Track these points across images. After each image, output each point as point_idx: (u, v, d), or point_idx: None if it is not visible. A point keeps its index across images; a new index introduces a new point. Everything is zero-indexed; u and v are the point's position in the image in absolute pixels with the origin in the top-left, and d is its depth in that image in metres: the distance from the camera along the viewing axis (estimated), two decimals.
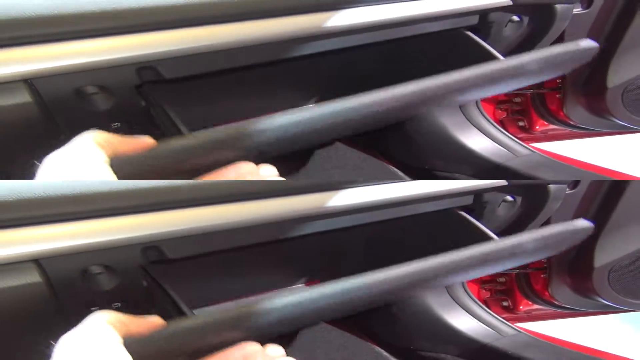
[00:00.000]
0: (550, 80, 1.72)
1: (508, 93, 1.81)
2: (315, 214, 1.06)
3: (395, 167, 1.76)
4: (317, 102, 1.32)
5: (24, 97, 0.83)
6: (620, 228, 1.67)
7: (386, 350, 1.69)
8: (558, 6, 1.36)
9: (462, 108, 1.66)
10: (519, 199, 1.52)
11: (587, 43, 1.26)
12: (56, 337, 0.81)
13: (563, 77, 1.71)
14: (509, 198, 1.52)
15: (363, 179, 1.30)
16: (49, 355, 0.82)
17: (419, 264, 1.17)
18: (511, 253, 1.31)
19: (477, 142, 1.72)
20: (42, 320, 0.89)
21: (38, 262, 0.83)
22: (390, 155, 1.75)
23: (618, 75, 1.63)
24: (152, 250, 0.91)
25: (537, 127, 1.87)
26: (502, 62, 1.21)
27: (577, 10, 1.53)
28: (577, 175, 1.67)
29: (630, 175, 1.71)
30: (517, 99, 1.84)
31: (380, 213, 1.21)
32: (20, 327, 0.88)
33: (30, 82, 0.82)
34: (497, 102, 1.86)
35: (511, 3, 1.28)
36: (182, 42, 0.90)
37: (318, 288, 0.96)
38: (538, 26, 1.39)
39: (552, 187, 1.45)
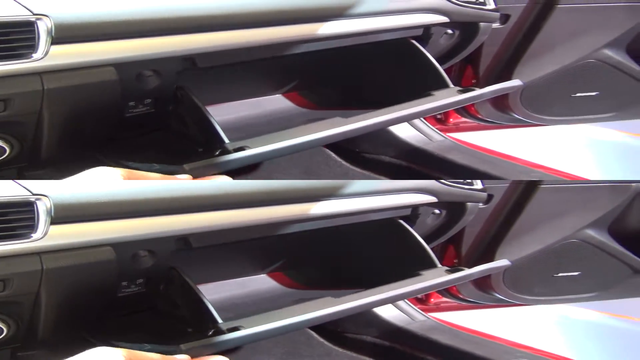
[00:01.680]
0: (466, 80, 1.98)
1: None
2: (284, 221, 1.36)
3: (330, 150, 1.95)
4: (293, 88, 1.59)
5: (112, 75, 1.10)
6: (516, 237, 1.94)
7: (317, 334, 1.88)
8: (482, 23, 1.68)
9: None
10: (443, 212, 1.76)
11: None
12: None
13: (476, 78, 1.96)
14: (437, 211, 1.76)
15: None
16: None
17: (373, 298, 1.45)
18: (457, 281, 1.65)
19: (400, 128, 1.97)
20: (107, 289, 1.18)
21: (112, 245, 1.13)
22: None
23: (520, 77, 1.90)
24: (181, 241, 1.21)
25: (451, 120, 2.11)
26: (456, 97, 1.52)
27: (495, 25, 1.82)
28: (478, 156, 1.97)
29: (519, 158, 2.02)
30: None
31: (338, 220, 1.49)
32: (93, 293, 1.17)
33: (115, 65, 1.10)
34: None
35: (448, 20, 1.58)
36: (211, 41, 1.18)
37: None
38: (465, 38, 1.69)
39: (468, 204, 1.73)
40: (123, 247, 1.16)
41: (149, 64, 1.14)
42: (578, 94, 2.01)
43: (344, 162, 1.94)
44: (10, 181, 1.11)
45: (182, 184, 1.18)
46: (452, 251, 2.00)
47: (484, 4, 1.65)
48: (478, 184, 1.75)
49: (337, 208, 1.47)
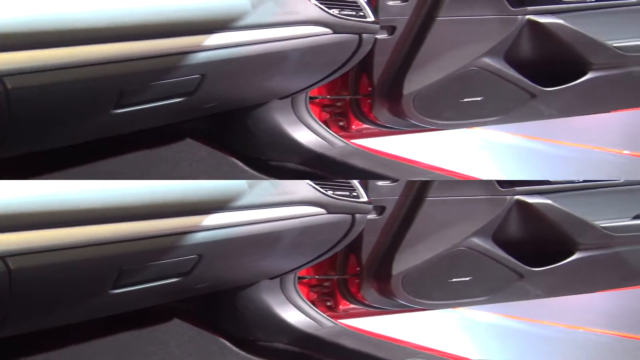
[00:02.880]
0: (363, 88, 2.16)
1: (331, 98, 2.20)
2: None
3: (237, 159, 2.09)
4: None
5: None
6: (411, 245, 2.10)
7: (230, 342, 2.01)
8: (364, 35, 1.84)
9: (294, 108, 2.08)
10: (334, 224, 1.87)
11: None
12: None
13: (372, 85, 2.14)
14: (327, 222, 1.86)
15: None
16: None
17: None
18: None
19: (304, 136, 2.12)
20: None
21: None
22: (233, 149, 2.10)
23: (411, 85, 2.11)
24: None
25: (354, 127, 2.27)
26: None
27: (383, 36, 2.01)
28: (378, 160, 2.13)
29: (416, 161, 2.20)
30: (339, 103, 2.24)
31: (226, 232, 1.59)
32: None
33: None
34: (322, 105, 2.24)
35: (331, 32, 1.74)
36: None
37: None
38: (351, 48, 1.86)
39: (357, 216, 1.85)
40: None
41: None
42: (465, 99, 2.20)
43: (249, 170, 2.08)
44: None
45: None
46: (353, 260, 2.16)
47: (364, 16, 1.81)
48: (364, 196, 1.87)
49: (225, 220, 1.56)
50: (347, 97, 2.20)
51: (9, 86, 1.20)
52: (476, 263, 2.17)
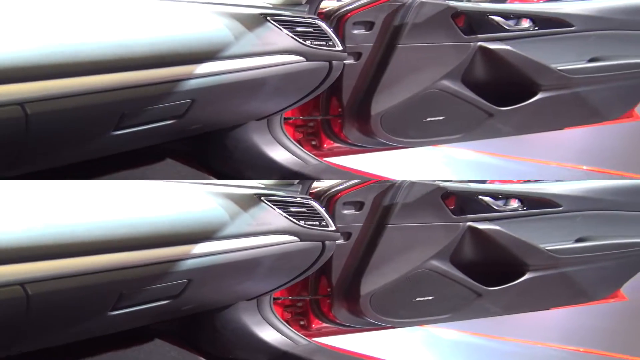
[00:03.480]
0: (333, 109, 2.33)
1: (304, 119, 2.36)
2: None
3: (216, 177, 2.24)
4: None
5: None
6: (376, 267, 2.25)
7: None
8: (334, 62, 2.05)
9: (270, 129, 2.24)
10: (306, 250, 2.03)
11: None
12: None
13: (341, 107, 2.31)
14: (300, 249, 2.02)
15: None
16: None
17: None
18: None
19: (279, 155, 2.28)
20: None
21: None
22: (212, 168, 2.26)
23: (378, 106, 2.28)
24: None
25: (325, 146, 2.42)
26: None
27: (350, 61, 2.19)
28: (349, 176, 2.30)
29: (383, 177, 2.35)
30: (311, 124, 2.39)
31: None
32: None
33: None
34: (296, 125, 2.39)
35: (304, 60, 1.95)
36: None
37: None
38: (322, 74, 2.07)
39: (326, 243, 2.03)
40: None
41: None
42: (428, 119, 2.38)
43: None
44: None
45: None
46: (324, 281, 2.31)
47: (333, 45, 2.02)
48: (331, 225, 2.06)
49: (211, 249, 1.76)
50: (319, 118, 2.36)
51: (28, 111, 1.40)
52: (437, 284, 2.33)
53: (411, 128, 2.39)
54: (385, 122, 2.32)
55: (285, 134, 2.29)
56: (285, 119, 2.28)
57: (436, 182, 2.26)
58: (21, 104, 1.38)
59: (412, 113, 2.34)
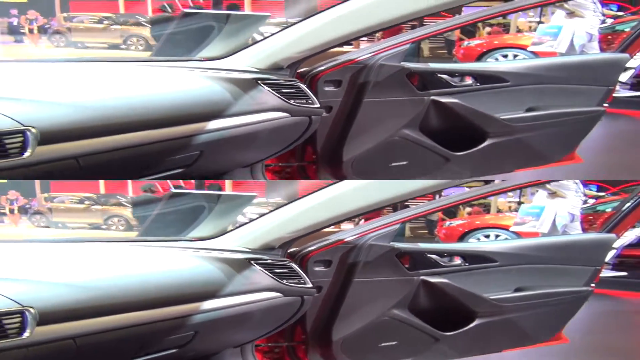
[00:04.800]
0: (308, 156, 2.68)
1: (282, 165, 2.68)
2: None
3: None
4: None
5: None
6: (345, 316, 2.59)
7: None
8: (313, 117, 2.46)
9: (253, 176, 2.59)
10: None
11: None
12: None
13: (316, 154, 2.64)
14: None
15: None
16: None
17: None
18: None
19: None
20: None
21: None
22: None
23: (349, 152, 2.63)
24: None
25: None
26: None
27: (323, 114, 2.52)
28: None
29: None
30: (288, 169, 2.71)
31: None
32: None
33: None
34: (273, 171, 2.71)
35: (289, 116, 2.36)
36: None
37: None
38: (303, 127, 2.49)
39: (305, 297, 2.44)
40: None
41: None
42: (393, 164, 2.73)
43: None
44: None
45: None
46: (299, 329, 2.64)
47: (312, 103, 2.46)
48: (308, 282, 2.49)
49: (213, 305, 2.24)
50: (295, 164, 2.71)
51: (81, 164, 1.83)
52: (399, 330, 2.68)
53: (378, 172, 2.74)
54: (355, 167, 2.68)
55: (265, 178, 2.69)
56: (265, 165, 2.66)
57: (390, 244, 2.65)
58: (76, 157, 1.83)
59: (378, 158, 2.70)
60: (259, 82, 2.30)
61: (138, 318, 2.04)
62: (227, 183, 2.68)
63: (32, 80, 1.93)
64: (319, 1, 3.25)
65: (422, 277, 2.69)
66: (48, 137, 1.85)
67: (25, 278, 1.94)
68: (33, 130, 1.83)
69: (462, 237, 3.07)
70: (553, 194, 3.12)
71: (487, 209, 3.11)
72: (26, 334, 1.87)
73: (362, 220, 2.78)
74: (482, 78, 2.78)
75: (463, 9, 2.73)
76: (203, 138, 2.15)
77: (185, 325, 2.15)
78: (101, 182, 4.45)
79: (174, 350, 2.20)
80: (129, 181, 4.44)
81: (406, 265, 2.68)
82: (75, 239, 2.68)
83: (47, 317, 1.90)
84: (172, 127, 2.06)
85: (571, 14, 2.98)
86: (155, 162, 2.06)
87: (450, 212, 3.15)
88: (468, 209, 3.10)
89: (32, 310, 1.88)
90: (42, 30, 4.39)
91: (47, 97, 1.89)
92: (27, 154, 1.83)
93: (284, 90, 2.37)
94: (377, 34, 2.67)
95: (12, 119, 1.82)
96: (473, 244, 2.98)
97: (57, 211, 4.50)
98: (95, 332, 1.95)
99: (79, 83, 1.97)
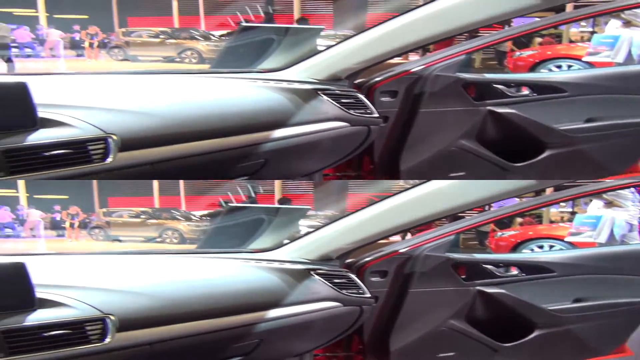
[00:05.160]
0: (366, 166, 2.74)
1: (340, 175, 2.75)
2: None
3: None
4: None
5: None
6: (402, 327, 2.62)
7: None
8: (372, 126, 2.54)
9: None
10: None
11: None
12: None
13: (373, 164, 2.68)
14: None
15: None
16: None
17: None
18: None
19: None
20: None
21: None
22: None
23: (406, 162, 2.67)
24: None
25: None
26: None
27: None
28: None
29: None
30: (345, 179, 2.77)
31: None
32: None
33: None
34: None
35: (349, 125, 2.44)
36: None
37: None
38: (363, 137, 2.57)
39: (364, 307, 2.52)
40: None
41: None
42: (451, 175, 2.75)
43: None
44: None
45: None
46: (356, 339, 2.71)
47: (371, 113, 2.54)
48: (366, 292, 2.56)
49: (278, 314, 2.35)
50: (353, 174, 2.79)
51: (156, 169, 1.98)
52: (457, 341, 2.71)
53: None
54: (413, 177, 2.71)
55: None
56: (324, 175, 2.75)
57: (446, 254, 2.69)
58: (151, 163, 1.94)
59: (435, 169, 2.74)
60: (319, 92, 2.40)
61: (208, 325, 2.17)
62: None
63: (112, 90, 2.06)
64: (369, 16, 3.38)
65: (478, 288, 2.73)
66: (128, 144, 1.99)
67: (104, 287, 2.07)
68: (114, 137, 1.97)
69: (514, 248, 3.12)
70: (609, 204, 3.12)
71: (539, 219, 3.14)
72: (107, 340, 2.02)
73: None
74: (539, 88, 2.80)
75: (513, 20, 2.74)
76: (268, 146, 2.25)
77: (251, 333, 2.26)
78: (156, 197, 4.64)
79: (239, 358, 2.31)
80: (182, 196, 4.61)
81: (462, 276, 2.72)
82: (144, 250, 3.01)
83: (125, 324, 2.05)
84: (241, 135, 2.17)
85: (627, 23, 2.98)
86: (222, 169, 2.16)
87: (502, 222, 3.17)
88: (519, 220, 3.13)
89: (112, 318, 2.03)
90: (102, 44, 4.57)
91: (127, 107, 2.02)
92: (109, 159, 1.96)
93: (343, 101, 2.45)
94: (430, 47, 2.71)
95: (95, 126, 1.95)
96: (530, 254, 3.00)
97: (115, 225, 4.67)
98: (169, 338, 2.09)
99: (154, 93, 2.10)
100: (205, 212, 4.62)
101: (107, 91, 2.05)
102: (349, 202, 2.97)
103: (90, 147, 1.94)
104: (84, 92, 2.01)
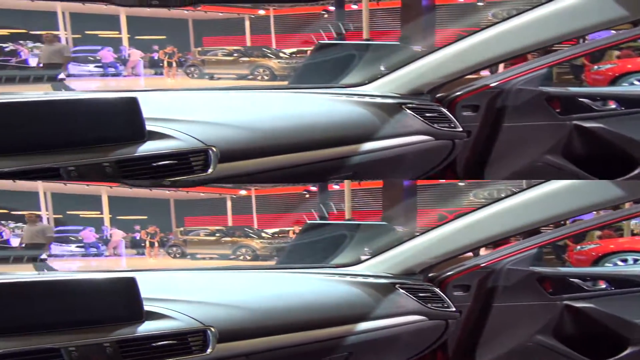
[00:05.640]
0: (449, 177, 2.71)
1: None
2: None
3: None
4: None
5: None
6: (486, 342, 2.65)
7: None
8: (456, 140, 2.57)
9: None
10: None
11: None
12: None
13: (456, 175, 2.64)
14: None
15: None
16: None
17: None
18: None
19: None
20: None
21: None
22: None
23: (490, 176, 2.67)
24: None
25: None
26: None
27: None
28: None
29: None
30: None
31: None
32: None
33: None
34: None
35: (434, 139, 2.49)
36: None
37: None
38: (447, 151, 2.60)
39: (449, 321, 2.57)
40: None
41: None
42: None
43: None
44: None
45: None
46: (440, 354, 2.69)
47: (455, 127, 2.57)
48: (451, 306, 2.61)
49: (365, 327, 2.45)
50: (443, 181, 3.00)
51: (252, 179, 2.15)
52: (545, 356, 2.71)
53: None
54: None
55: None
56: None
57: (530, 268, 2.71)
58: (248, 174, 2.12)
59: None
60: (403, 106, 2.45)
61: (301, 338, 2.26)
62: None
63: (210, 105, 2.19)
64: (438, 37, 3.42)
65: (565, 302, 2.72)
66: (227, 155, 2.10)
67: (204, 301, 2.19)
68: (214, 149, 2.08)
69: (595, 262, 3.06)
70: None
71: (620, 232, 3.10)
72: (209, 350, 2.12)
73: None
74: (628, 102, 2.77)
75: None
76: (357, 159, 2.31)
77: (341, 346, 2.34)
78: (229, 216, 4.79)
79: None
80: (255, 215, 4.74)
81: (548, 290, 2.72)
82: (234, 266, 3.34)
83: (225, 335, 2.16)
84: (332, 148, 2.25)
85: None
86: (313, 180, 2.23)
87: (578, 236, 3.14)
88: (598, 232, 3.09)
89: (213, 330, 2.13)
90: (179, 63, 4.75)
91: (225, 121, 2.14)
92: (210, 170, 2.08)
93: (427, 115, 2.50)
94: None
95: (196, 139, 2.07)
96: (618, 267, 2.97)
97: (192, 243, 4.84)
98: (264, 350, 2.19)
99: (248, 108, 2.22)
100: (277, 229, 4.76)
101: (206, 106, 2.18)
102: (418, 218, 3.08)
103: (192, 159, 2.06)
104: (186, 107, 2.15)
